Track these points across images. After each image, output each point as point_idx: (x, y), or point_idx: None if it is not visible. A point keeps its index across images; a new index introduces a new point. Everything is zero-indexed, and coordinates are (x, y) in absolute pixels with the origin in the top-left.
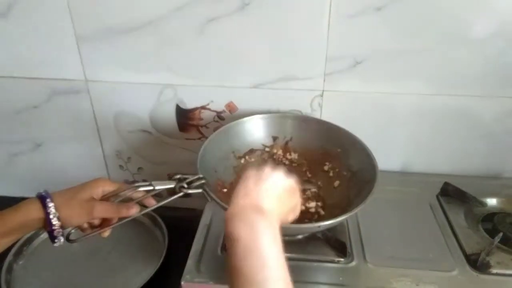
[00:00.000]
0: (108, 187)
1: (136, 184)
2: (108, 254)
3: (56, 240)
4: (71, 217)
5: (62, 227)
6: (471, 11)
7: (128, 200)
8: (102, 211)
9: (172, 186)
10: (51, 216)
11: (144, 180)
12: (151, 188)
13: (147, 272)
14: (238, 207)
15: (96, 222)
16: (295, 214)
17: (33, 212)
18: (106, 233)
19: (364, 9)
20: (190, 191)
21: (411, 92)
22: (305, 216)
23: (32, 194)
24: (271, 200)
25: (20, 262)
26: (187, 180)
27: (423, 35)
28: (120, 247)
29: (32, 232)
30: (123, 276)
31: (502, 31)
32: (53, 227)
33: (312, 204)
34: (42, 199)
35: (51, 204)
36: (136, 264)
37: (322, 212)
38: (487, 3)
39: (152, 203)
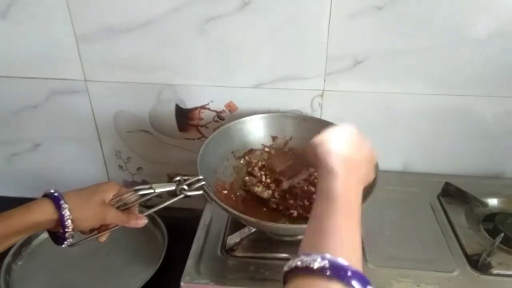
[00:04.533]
0: (118, 192)
1: (136, 188)
2: (107, 255)
3: (66, 242)
4: (84, 220)
5: (74, 229)
6: (471, 11)
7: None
8: (114, 218)
9: (172, 188)
10: (65, 219)
11: (144, 182)
12: (151, 191)
13: (146, 272)
14: (342, 156)
15: (96, 225)
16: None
17: (46, 213)
18: (103, 237)
19: (364, 8)
20: (190, 193)
21: (412, 92)
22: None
23: (31, 194)
24: (366, 175)
25: (19, 263)
26: (187, 182)
27: (424, 35)
28: (119, 247)
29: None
30: (122, 277)
31: (502, 31)
32: (66, 229)
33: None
34: (56, 200)
35: (65, 206)
36: (136, 264)
37: None
38: (487, 3)
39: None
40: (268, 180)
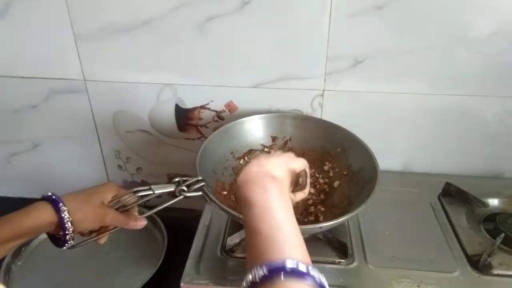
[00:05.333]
0: (117, 194)
1: (135, 189)
2: (106, 255)
3: (66, 244)
4: (83, 222)
5: (73, 231)
6: (471, 10)
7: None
8: (113, 219)
9: (171, 189)
10: (65, 221)
11: (143, 182)
12: (150, 192)
13: (146, 273)
14: (251, 173)
15: (96, 227)
16: (304, 193)
17: (45, 216)
18: (103, 239)
19: (364, 8)
20: (189, 195)
21: (412, 91)
22: (305, 217)
23: (30, 194)
24: (282, 172)
25: (19, 263)
26: (187, 183)
27: (424, 35)
28: (119, 248)
29: None
30: (121, 278)
31: (502, 31)
32: (67, 232)
33: (312, 209)
34: (54, 203)
35: (64, 209)
36: (135, 265)
37: (323, 209)
38: (487, 2)
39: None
40: None
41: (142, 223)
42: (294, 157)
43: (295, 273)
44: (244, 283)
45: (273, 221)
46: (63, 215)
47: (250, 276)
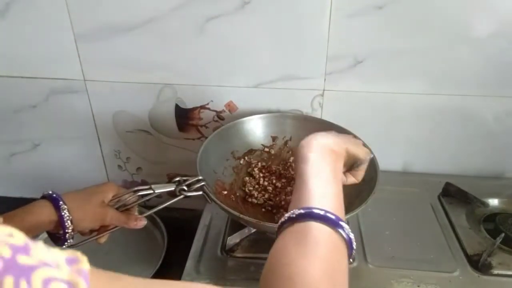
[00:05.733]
0: (117, 193)
1: (136, 188)
2: (107, 255)
3: (66, 243)
4: (83, 220)
5: (73, 230)
6: (471, 10)
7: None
8: (113, 219)
9: (172, 189)
10: (65, 219)
11: (143, 182)
12: (150, 192)
13: (146, 273)
14: (315, 140)
15: (96, 226)
16: (355, 180)
17: (45, 214)
18: (103, 239)
19: (364, 8)
20: (190, 194)
21: (412, 91)
22: None
23: (30, 194)
24: (341, 150)
25: None
26: (187, 182)
27: (424, 35)
28: (119, 248)
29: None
30: None
31: (503, 31)
32: (66, 230)
33: None
34: (54, 201)
35: (64, 207)
36: (135, 265)
37: None
38: (487, 3)
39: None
40: (266, 183)
41: (142, 222)
42: (360, 144)
43: (329, 220)
44: (281, 219)
45: (321, 179)
46: (63, 214)
47: (286, 214)
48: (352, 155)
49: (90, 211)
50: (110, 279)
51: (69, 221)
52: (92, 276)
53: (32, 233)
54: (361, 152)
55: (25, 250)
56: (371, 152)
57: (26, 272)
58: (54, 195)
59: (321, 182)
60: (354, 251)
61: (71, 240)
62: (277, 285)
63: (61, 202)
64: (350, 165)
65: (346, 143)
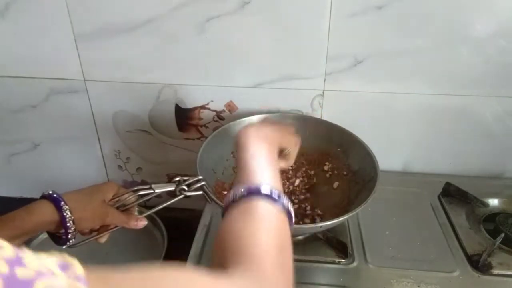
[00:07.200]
0: (118, 192)
1: (136, 188)
2: (107, 255)
3: (68, 243)
4: (85, 220)
5: (75, 229)
6: (471, 10)
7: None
8: (114, 218)
9: (172, 188)
10: (67, 219)
11: (143, 182)
12: (151, 191)
13: None
14: (251, 130)
15: (97, 226)
16: (287, 164)
17: (47, 215)
18: (103, 238)
19: (364, 8)
20: (190, 194)
21: (412, 91)
22: (301, 219)
23: (30, 194)
24: (275, 138)
25: None
26: (187, 182)
27: (424, 35)
28: (119, 248)
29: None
30: None
31: (502, 31)
32: (69, 230)
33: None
34: (56, 201)
35: (66, 207)
36: (135, 265)
37: (320, 212)
38: (487, 3)
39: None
40: None
41: (142, 222)
42: (292, 132)
43: (268, 196)
44: (224, 202)
45: (258, 162)
46: (65, 214)
47: (231, 195)
48: (284, 142)
49: (91, 211)
50: (105, 279)
51: (71, 221)
52: (88, 279)
53: (33, 233)
54: (291, 139)
55: (19, 262)
56: (300, 140)
57: (27, 286)
58: (55, 195)
59: (260, 164)
60: (293, 223)
61: (73, 240)
62: (227, 257)
63: (62, 202)
64: (281, 151)
65: (278, 131)
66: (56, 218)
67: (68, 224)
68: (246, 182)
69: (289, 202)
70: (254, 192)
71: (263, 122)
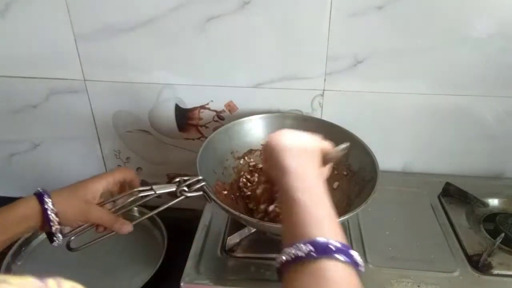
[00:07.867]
0: (106, 186)
1: (136, 189)
2: (106, 255)
3: (54, 239)
4: (68, 213)
5: (60, 223)
6: (471, 10)
7: (128, 205)
8: (97, 217)
9: (173, 189)
10: (48, 212)
11: (143, 182)
12: (151, 192)
13: (146, 273)
14: (283, 142)
15: (80, 222)
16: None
17: (30, 207)
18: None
19: (364, 8)
20: (190, 195)
21: (412, 91)
22: None
23: (30, 194)
24: (314, 145)
25: (19, 263)
26: (187, 183)
27: (424, 35)
28: (119, 248)
29: (31, 233)
30: (121, 278)
31: (503, 31)
32: (51, 223)
33: None
34: (40, 196)
35: (48, 200)
36: (135, 265)
37: None
38: (487, 3)
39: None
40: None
41: (127, 227)
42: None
43: (340, 253)
44: (283, 257)
45: (311, 195)
46: (46, 207)
47: (291, 251)
48: (326, 152)
49: (73, 205)
50: None
51: (53, 214)
52: None
53: (20, 227)
54: (325, 144)
55: None
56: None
57: None
58: (41, 191)
59: (313, 199)
60: (363, 271)
61: (60, 235)
62: None
63: (45, 196)
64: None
65: (315, 140)
66: (37, 210)
67: (50, 217)
68: (307, 235)
69: (357, 254)
70: (321, 251)
71: (287, 130)
